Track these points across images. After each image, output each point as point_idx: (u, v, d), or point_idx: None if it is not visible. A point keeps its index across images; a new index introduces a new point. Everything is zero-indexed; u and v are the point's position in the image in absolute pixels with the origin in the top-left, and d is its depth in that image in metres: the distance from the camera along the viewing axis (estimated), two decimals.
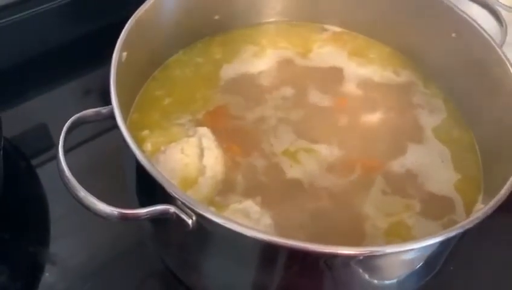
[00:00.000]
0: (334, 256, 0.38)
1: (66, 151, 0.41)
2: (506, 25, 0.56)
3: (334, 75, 0.60)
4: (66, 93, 0.65)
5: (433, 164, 0.53)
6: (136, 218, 0.39)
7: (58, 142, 0.41)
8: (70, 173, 0.39)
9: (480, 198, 0.51)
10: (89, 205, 0.38)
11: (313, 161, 0.52)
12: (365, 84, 0.60)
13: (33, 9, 0.65)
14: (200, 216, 0.38)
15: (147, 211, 0.39)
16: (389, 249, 0.38)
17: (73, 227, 0.53)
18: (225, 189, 0.49)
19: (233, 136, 0.53)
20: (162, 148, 0.50)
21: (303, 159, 0.52)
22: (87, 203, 0.38)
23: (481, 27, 0.53)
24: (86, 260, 0.51)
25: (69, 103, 0.64)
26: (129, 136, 0.41)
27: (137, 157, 0.39)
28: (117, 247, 0.52)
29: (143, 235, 0.52)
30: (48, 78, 0.66)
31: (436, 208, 0.50)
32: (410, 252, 0.40)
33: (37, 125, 0.62)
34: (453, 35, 0.57)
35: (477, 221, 0.39)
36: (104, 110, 0.44)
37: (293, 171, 0.51)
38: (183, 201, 0.38)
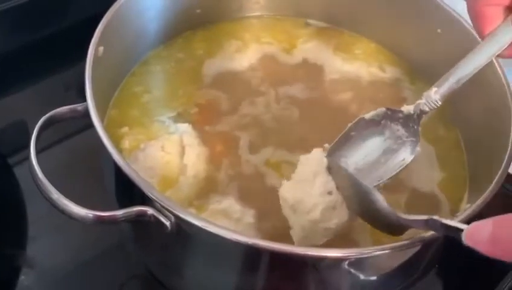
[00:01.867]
0: (320, 259, 0.37)
1: (42, 150, 0.40)
2: None
3: (319, 71, 0.59)
4: (46, 90, 0.64)
5: (418, 162, 0.52)
6: (113, 221, 0.38)
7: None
8: (42, 174, 0.38)
9: (465, 197, 0.50)
10: (63, 207, 0.37)
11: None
12: (350, 80, 0.59)
13: (8, 3, 0.63)
14: (178, 218, 0.37)
15: (124, 213, 0.38)
16: (375, 251, 0.37)
17: (52, 228, 0.52)
18: (207, 188, 0.48)
19: (216, 133, 0.52)
20: (142, 145, 0.48)
21: (285, 165, 0.50)
22: (60, 205, 0.37)
23: (467, 23, 0.53)
24: (65, 262, 0.50)
25: (50, 99, 0.62)
26: (104, 133, 0.39)
27: (113, 156, 0.38)
28: (97, 249, 0.51)
29: (123, 236, 0.50)
30: (27, 73, 0.64)
31: (422, 206, 0.49)
32: (395, 252, 0.39)
33: (15, 122, 0.60)
34: (439, 31, 0.56)
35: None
36: (79, 107, 0.42)
37: (275, 171, 0.50)
38: (161, 203, 0.37)
